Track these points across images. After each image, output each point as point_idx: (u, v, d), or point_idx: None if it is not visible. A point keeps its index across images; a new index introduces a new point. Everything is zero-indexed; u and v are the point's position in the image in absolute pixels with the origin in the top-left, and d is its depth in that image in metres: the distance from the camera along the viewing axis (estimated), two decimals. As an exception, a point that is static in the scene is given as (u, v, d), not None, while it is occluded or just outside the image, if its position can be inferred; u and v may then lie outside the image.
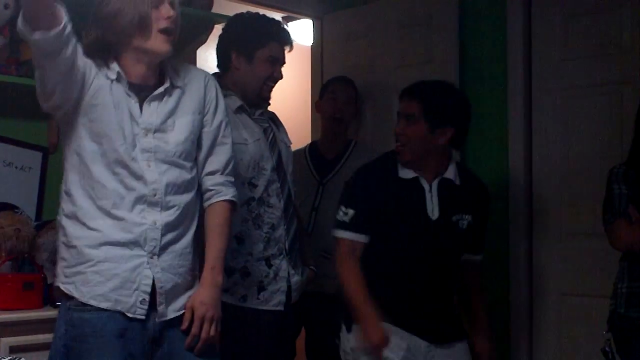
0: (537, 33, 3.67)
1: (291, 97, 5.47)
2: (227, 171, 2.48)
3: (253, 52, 2.87)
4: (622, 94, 3.37)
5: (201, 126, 2.43)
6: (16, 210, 3.11)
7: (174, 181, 2.34)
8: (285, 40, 2.94)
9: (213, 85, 2.49)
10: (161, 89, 2.35)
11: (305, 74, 4.73)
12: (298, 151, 3.79)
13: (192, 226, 2.41)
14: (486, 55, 3.83)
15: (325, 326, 3.34)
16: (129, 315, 2.26)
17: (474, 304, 3.02)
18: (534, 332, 3.61)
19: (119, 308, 2.25)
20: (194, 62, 3.74)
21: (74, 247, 2.28)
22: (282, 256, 2.87)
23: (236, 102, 2.85)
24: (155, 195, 2.30)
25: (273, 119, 3.01)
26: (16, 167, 3.24)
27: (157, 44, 2.30)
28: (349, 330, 2.82)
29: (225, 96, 2.70)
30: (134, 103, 2.31)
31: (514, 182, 3.67)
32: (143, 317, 2.28)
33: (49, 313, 2.78)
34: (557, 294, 3.55)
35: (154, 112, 2.33)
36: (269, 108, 3.04)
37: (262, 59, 2.88)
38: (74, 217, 2.29)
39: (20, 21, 2.11)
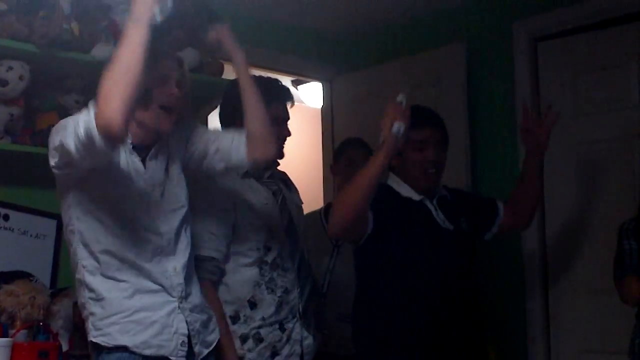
0: (546, 89, 3.70)
1: (302, 158, 5.50)
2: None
3: None
4: (633, 148, 3.38)
5: (187, 161, 2.54)
6: (31, 278, 3.12)
7: (180, 224, 2.46)
8: (286, 98, 2.90)
9: (187, 124, 2.57)
10: (157, 147, 2.45)
11: (316, 135, 4.76)
12: (314, 213, 3.79)
13: (192, 257, 2.53)
14: (495, 114, 3.85)
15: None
16: (172, 358, 2.34)
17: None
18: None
19: (162, 353, 2.33)
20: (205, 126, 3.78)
21: (104, 299, 2.33)
22: (295, 319, 2.84)
23: None
24: (169, 244, 2.41)
25: (284, 179, 3.00)
26: (31, 235, 3.26)
27: (158, 121, 2.37)
28: None
29: None
30: (138, 161, 2.40)
31: (528, 239, 3.65)
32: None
33: (64, 381, 2.77)
34: (575, 351, 3.51)
35: (155, 167, 2.44)
36: (280, 169, 3.04)
37: None
38: (97, 272, 2.35)
39: (98, 137, 2.08)
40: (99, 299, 2.34)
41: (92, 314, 2.36)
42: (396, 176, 2.91)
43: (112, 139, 2.06)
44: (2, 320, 2.83)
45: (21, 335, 2.83)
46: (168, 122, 2.38)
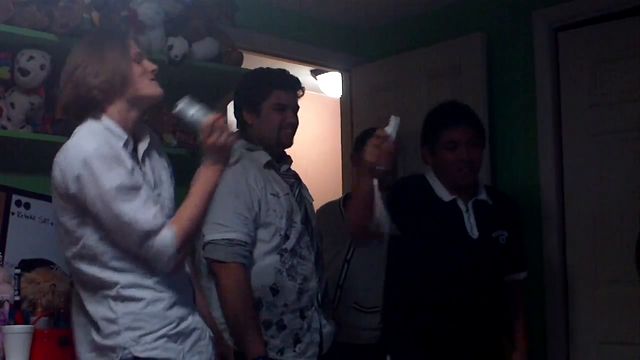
0: (565, 80, 3.69)
1: (321, 148, 5.51)
2: None
3: (258, 105, 2.91)
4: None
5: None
6: (52, 266, 3.14)
7: None
8: (289, 86, 2.95)
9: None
10: (146, 144, 2.36)
11: (335, 125, 4.76)
12: (333, 203, 3.80)
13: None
14: (515, 103, 3.84)
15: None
16: None
17: (514, 328, 3.00)
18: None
19: (203, 359, 2.32)
20: (225, 117, 3.79)
21: (151, 312, 2.24)
22: (313, 307, 2.87)
23: (265, 157, 2.89)
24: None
25: (296, 177, 3.05)
26: (51, 224, 3.28)
27: (150, 88, 2.30)
28: None
29: (253, 151, 2.84)
30: (136, 163, 2.29)
31: (547, 229, 3.64)
32: None
33: (84, 368, 2.78)
34: (594, 342, 3.50)
35: (149, 168, 2.35)
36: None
37: (268, 109, 2.91)
38: (134, 285, 2.24)
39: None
40: (145, 313, 2.23)
41: (137, 328, 2.22)
42: (432, 171, 2.92)
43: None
44: (23, 307, 2.86)
45: (42, 323, 2.86)
46: (158, 87, 2.31)
